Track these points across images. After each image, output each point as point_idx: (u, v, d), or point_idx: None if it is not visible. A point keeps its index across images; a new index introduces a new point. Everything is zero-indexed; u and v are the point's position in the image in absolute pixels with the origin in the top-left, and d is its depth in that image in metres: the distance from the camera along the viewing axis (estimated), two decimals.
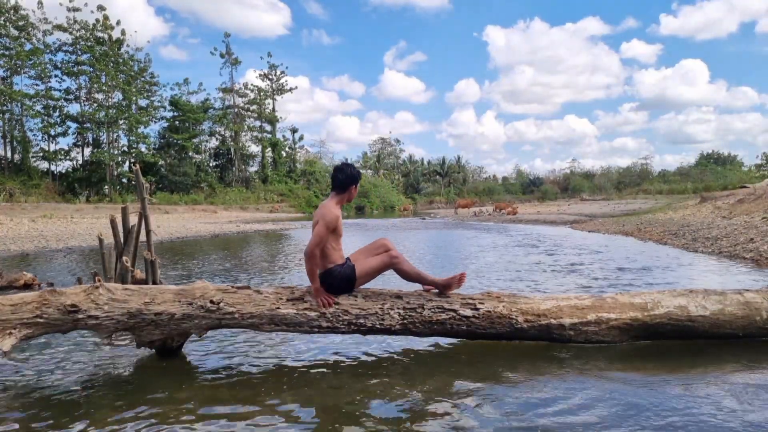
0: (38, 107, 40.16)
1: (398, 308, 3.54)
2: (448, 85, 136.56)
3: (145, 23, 74.37)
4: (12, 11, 37.67)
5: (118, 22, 42.89)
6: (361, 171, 3.79)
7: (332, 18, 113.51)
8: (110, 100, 43.16)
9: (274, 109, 57.37)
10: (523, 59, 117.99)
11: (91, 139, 43.70)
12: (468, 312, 3.55)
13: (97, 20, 41.68)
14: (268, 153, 56.53)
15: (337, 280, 3.55)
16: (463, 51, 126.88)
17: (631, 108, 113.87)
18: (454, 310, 3.55)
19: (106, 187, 41.39)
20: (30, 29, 39.38)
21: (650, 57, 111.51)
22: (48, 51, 41.09)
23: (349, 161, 71.40)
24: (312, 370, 3.42)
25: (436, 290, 3.70)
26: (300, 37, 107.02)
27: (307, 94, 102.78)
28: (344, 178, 3.61)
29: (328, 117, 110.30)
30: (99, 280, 3.62)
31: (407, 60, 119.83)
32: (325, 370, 3.44)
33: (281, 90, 57.81)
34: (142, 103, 45.73)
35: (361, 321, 3.51)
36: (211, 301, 3.43)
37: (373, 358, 3.63)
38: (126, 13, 71.76)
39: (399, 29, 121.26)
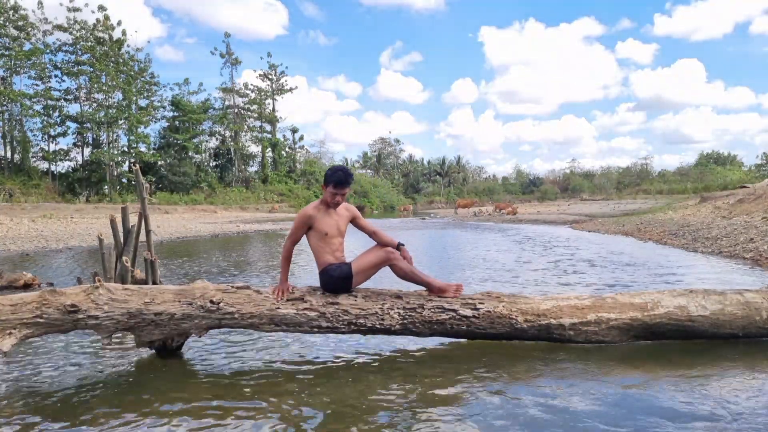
0: (38, 107, 40.12)
1: (398, 308, 3.54)
2: (445, 86, 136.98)
3: (142, 24, 74.44)
4: (11, 11, 37.63)
5: (119, 23, 42.88)
6: (351, 173, 3.68)
7: (328, 19, 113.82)
8: (110, 100, 43.11)
9: (274, 110, 57.37)
10: (519, 60, 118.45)
11: (90, 139, 43.64)
12: (468, 312, 3.55)
13: (98, 20, 41.63)
14: (268, 153, 56.49)
15: (333, 279, 3.57)
16: (459, 51, 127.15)
17: (628, 108, 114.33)
18: (454, 310, 3.55)
19: (106, 187, 41.33)
20: (30, 29, 39.30)
21: (646, 57, 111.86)
22: (48, 51, 41.03)
23: (348, 162, 71.33)
24: (312, 371, 3.42)
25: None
26: (296, 38, 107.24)
27: (304, 95, 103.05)
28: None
29: (325, 117, 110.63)
30: (99, 280, 3.62)
31: (403, 60, 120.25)
32: (324, 370, 3.44)
33: (281, 90, 57.78)
34: (142, 103, 45.69)
35: (361, 321, 3.51)
36: (211, 301, 3.43)
37: (373, 358, 3.63)
38: (124, 14, 71.93)
39: (394, 30, 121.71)
